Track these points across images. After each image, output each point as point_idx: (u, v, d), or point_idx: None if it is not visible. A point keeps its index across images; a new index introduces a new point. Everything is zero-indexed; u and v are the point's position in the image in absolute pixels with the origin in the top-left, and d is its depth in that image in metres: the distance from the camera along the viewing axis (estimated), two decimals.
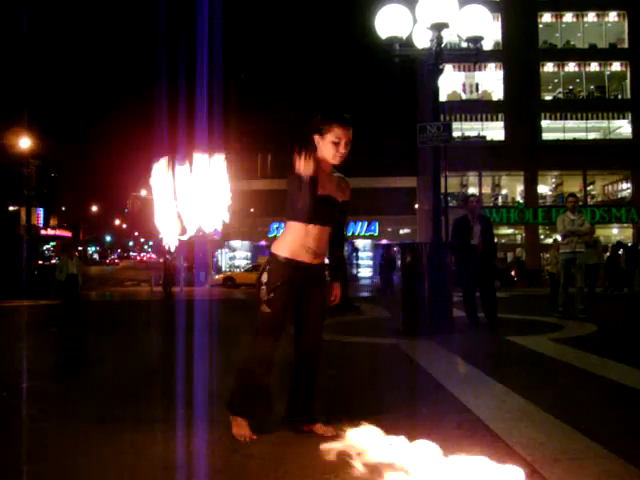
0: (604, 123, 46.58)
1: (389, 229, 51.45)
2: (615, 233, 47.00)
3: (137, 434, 4.20)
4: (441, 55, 9.97)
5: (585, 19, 46.24)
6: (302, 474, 3.34)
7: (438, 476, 3.17)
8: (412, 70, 39.66)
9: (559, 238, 12.95)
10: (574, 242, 12.15)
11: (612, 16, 46.17)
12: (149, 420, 4.59)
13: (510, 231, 48.86)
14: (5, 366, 7.49)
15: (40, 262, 49.47)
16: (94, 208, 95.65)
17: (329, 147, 4.06)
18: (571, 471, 3.26)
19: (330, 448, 3.75)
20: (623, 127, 46.64)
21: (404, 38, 10.05)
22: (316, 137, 4.09)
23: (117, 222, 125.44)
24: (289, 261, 4.04)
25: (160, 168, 3.91)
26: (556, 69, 46.47)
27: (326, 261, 4.34)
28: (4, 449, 3.99)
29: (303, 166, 3.88)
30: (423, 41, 10.36)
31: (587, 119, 45.88)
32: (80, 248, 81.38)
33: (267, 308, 4.06)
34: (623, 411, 4.67)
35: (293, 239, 4.06)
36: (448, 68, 41.29)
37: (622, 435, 3.96)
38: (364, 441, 3.82)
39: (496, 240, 12.59)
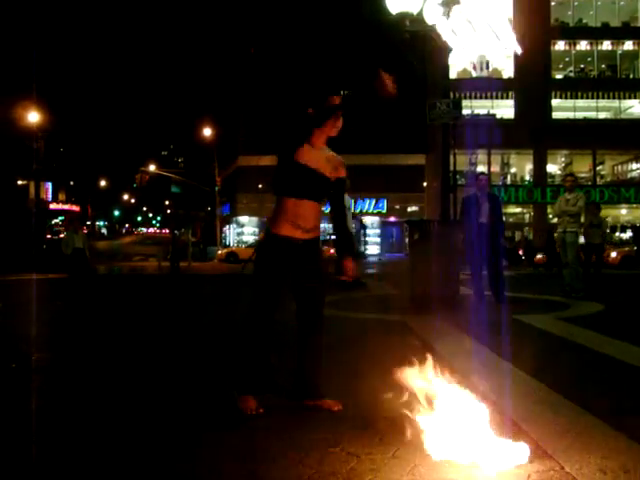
0: (615, 103, 46.31)
1: (397, 206, 51.37)
2: (624, 213, 46.84)
3: (144, 408, 4.23)
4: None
5: None
6: (307, 446, 3.36)
7: (443, 450, 3.19)
8: (423, 46, 39.48)
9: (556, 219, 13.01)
10: (565, 221, 12.17)
11: None
12: (156, 394, 4.62)
13: (518, 210, 48.73)
14: (14, 338, 7.54)
15: (49, 236, 49.56)
16: (103, 183, 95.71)
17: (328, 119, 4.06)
18: (576, 448, 3.27)
19: (336, 422, 3.78)
20: (634, 107, 46.38)
21: (415, 14, 9.98)
22: (311, 111, 4.09)
23: (126, 197, 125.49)
24: (280, 237, 4.06)
25: None
26: (567, 47, 46.14)
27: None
28: (13, 420, 4.03)
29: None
30: (434, 17, 10.27)
31: (598, 98, 45.62)
32: (88, 223, 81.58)
33: (258, 283, 4.09)
34: (628, 389, 4.69)
35: (283, 215, 4.07)
36: None
37: (628, 413, 3.98)
38: (369, 415, 3.85)
39: (504, 219, 12.58)
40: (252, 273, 4.14)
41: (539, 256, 35.07)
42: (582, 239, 13.42)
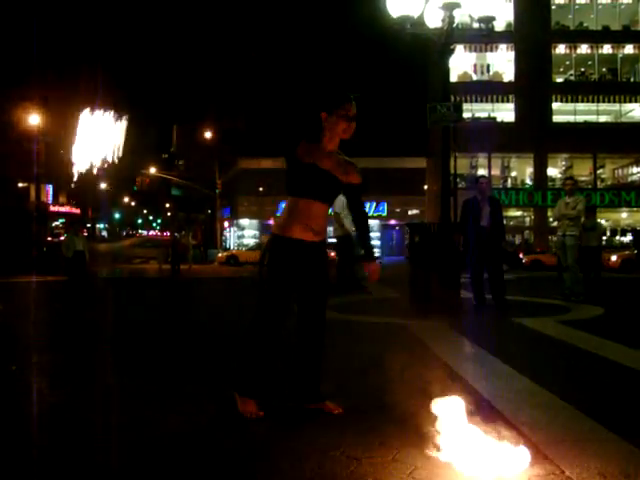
0: (615, 106, 46.31)
1: (398, 209, 51.44)
2: (624, 217, 46.82)
3: (145, 409, 4.23)
4: (452, 35, 9.90)
5: (599, 0, 45.89)
6: (307, 449, 3.36)
7: (443, 454, 3.19)
8: (423, 50, 39.51)
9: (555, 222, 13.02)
10: (564, 225, 12.18)
11: None
12: (157, 395, 4.62)
13: (519, 213, 48.73)
14: (14, 341, 7.53)
15: (49, 239, 49.52)
16: (103, 185, 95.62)
17: (340, 122, 4.06)
18: (575, 452, 3.27)
19: (337, 425, 3.77)
20: (634, 110, 46.39)
21: (415, 17, 9.98)
22: (324, 115, 4.09)
23: (126, 200, 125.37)
24: (289, 239, 4.03)
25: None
26: (568, 51, 46.15)
27: (331, 240, 4.36)
28: (14, 423, 4.03)
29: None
30: (435, 20, 10.28)
31: (598, 102, 45.61)
32: (89, 225, 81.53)
33: (268, 287, 4.07)
34: (628, 394, 4.68)
35: (293, 217, 4.04)
36: (459, 48, 41.12)
37: (627, 418, 3.98)
38: (370, 418, 3.85)
39: (505, 222, 12.58)
40: (264, 277, 4.11)
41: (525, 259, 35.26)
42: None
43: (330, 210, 4.28)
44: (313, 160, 4.03)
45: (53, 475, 3.14)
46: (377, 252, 50.36)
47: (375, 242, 52.16)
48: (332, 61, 45.68)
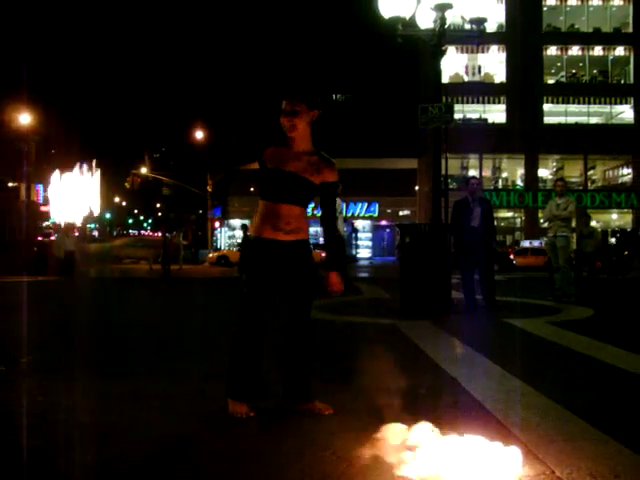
0: (606, 108, 46.49)
1: (389, 210, 51.45)
2: (614, 218, 47.00)
3: (134, 410, 4.21)
4: (444, 36, 9.91)
5: (590, 2, 46.05)
6: (298, 450, 3.35)
7: (433, 454, 3.19)
8: (415, 51, 39.52)
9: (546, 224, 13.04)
10: (556, 226, 12.21)
11: (617, 0, 45.94)
12: (147, 397, 4.60)
13: (510, 214, 48.84)
14: (3, 341, 7.50)
15: (39, 238, 49.35)
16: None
17: (281, 119, 4.08)
18: (566, 452, 3.27)
19: (327, 426, 3.77)
20: (625, 112, 46.57)
21: (407, 18, 9.97)
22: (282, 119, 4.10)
23: (117, 200, 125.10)
24: (261, 239, 4.03)
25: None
26: (559, 53, 46.29)
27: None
28: (3, 423, 4.01)
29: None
30: (426, 21, 10.27)
31: (589, 103, 45.79)
32: (79, 225, 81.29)
33: (245, 289, 4.07)
34: (618, 394, 4.69)
35: (262, 219, 4.05)
36: (451, 50, 41.17)
37: (617, 418, 3.98)
38: (360, 419, 3.84)
39: (495, 223, 12.59)
40: (241, 278, 4.12)
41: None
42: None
43: (318, 211, 4.24)
44: (276, 164, 4.03)
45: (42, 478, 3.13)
46: (368, 252, 50.47)
47: (367, 242, 52.26)
48: (323, 61, 45.63)
